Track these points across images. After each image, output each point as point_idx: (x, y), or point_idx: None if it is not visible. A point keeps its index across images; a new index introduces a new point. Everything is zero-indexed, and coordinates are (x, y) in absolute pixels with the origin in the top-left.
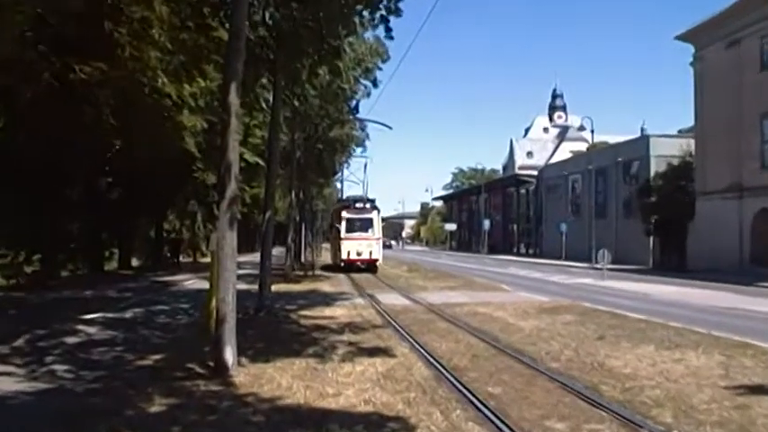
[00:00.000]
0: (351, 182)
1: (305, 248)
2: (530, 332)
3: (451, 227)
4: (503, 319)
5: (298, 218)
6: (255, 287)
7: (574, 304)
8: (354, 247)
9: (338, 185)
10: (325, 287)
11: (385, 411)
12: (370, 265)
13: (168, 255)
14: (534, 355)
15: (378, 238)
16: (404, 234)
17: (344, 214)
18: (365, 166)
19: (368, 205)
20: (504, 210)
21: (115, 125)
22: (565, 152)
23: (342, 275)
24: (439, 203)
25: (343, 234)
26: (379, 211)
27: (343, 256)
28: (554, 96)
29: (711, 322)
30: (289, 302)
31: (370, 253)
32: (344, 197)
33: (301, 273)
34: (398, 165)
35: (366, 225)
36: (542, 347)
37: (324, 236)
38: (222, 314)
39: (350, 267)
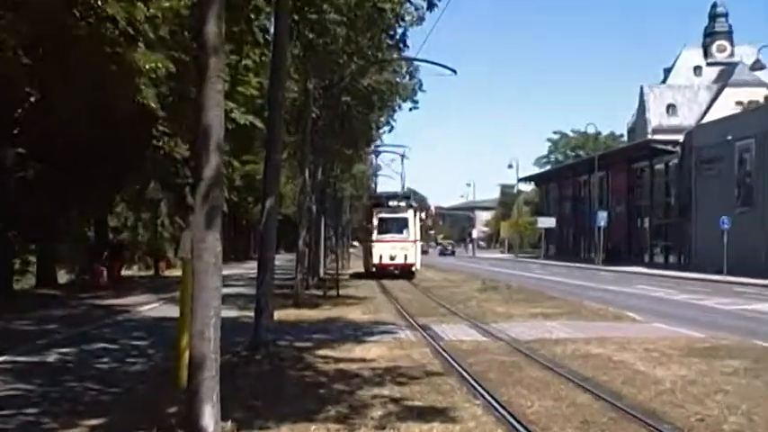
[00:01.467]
0: (389, 151)
1: (325, 254)
2: (671, 386)
3: (548, 223)
4: (628, 364)
5: (314, 209)
6: (250, 314)
7: (743, 344)
8: (387, 250)
9: (373, 160)
10: (355, 313)
11: None
12: (405, 272)
13: (110, 265)
14: (680, 424)
15: (414, 241)
16: (475, 233)
17: (376, 212)
18: (402, 158)
19: (403, 203)
20: (630, 196)
21: (29, 65)
22: (728, 104)
23: (380, 295)
24: (528, 186)
25: (374, 235)
26: (416, 210)
27: (375, 260)
28: (713, 16)
29: None
30: (300, 337)
31: (405, 257)
32: (377, 191)
33: (319, 292)
34: (464, 127)
35: (401, 225)
36: (692, 411)
37: (353, 235)
38: (199, 356)
39: (382, 273)
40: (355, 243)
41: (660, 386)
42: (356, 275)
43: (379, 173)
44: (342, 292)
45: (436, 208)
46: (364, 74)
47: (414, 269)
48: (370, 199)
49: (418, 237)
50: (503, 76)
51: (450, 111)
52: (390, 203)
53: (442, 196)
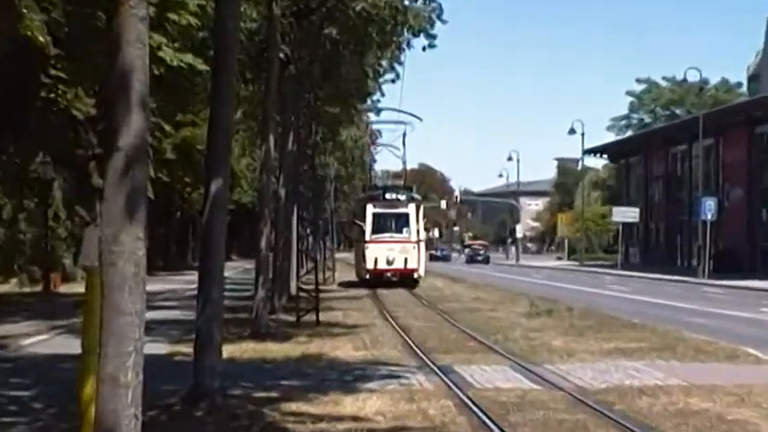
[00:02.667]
0: (390, 109)
1: (300, 261)
2: None
3: (628, 215)
4: (750, 427)
5: (283, 196)
6: (187, 350)
7: None
8: (384, 253)
9: (370, 121)
10: (344, 348)
11: None
12: (406, 279)
13: None
14: None
15: (417, 242)
16: (519, 231)
17: (371, 208)
18: (404, 135)
19: (402, 196)
20: (752, 176)
21: None
22: None
23: (379, 321)
24: (599, 162)
25: (368, 235)
26: (418, 204)
27: (369, 264)
28: None
29: None
30: (261, 383)
31: (406, 261)
32: (374, 172)
33: (291, 317)
34: (504, 80)
35: (400, 223)
36: None
37: (341, 233)
38: (110, 412)
39: (378, 281)
40: (344, 250)
41: None
42: (346, 284)
43: (378, 141)
44: (324, 316)
45: (462, 193)
46: None
47: (416, 276)
48: (363, 191)
49: (422, 237)
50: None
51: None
52: (387, 196)
53: (472, 177)
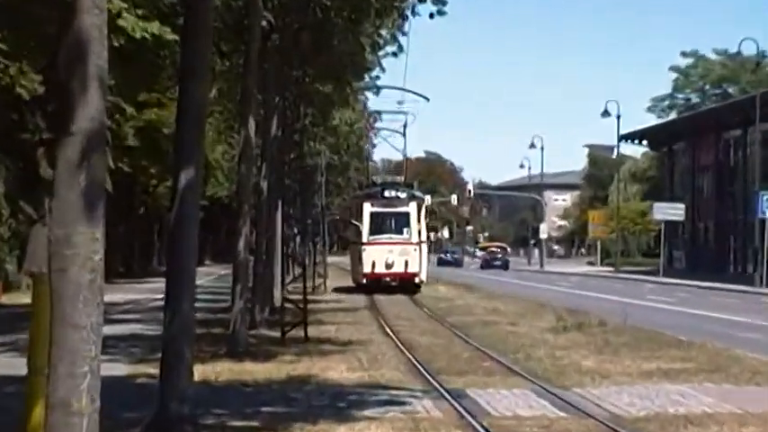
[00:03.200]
0: (392, 88)
1: (285, 266)
2: None
3: (671, 213)
4: None
5: (265, 190)
6: (153, 370)
7: None
8: (382, 255)
9: (367, 101)
10: (337, 369)
11: None
12: (407, 284)
13: None
14: None
15: (418, 243)
16: (543, 231)
17: (368, 207)
18: (404, 127)
19: (402, 193)
20: None
21: None
22: None
23: (378, 336)
24: (637, 150)
25: (365, 236)
26: (420, 203)
27: (366, 268)
28: None
29: None
30: (239, 411)
31: (406, 264)
32: (373, 161)
33: (275, 332)
34: (524, 58)
35: (400, 223)
36: None
37: (336, 238)
38: None
39: (376, 286)
40: (337, 253)
41: None
42: (341, 290)
43: (377, 125)
44: (314, 330)
45: (477, 187)
46: None
47: (417, 280)
48: (360, 188)
49: (424, 238)
50: None
51: (502, 31)
52: (386, 194)
53: (488, 168)
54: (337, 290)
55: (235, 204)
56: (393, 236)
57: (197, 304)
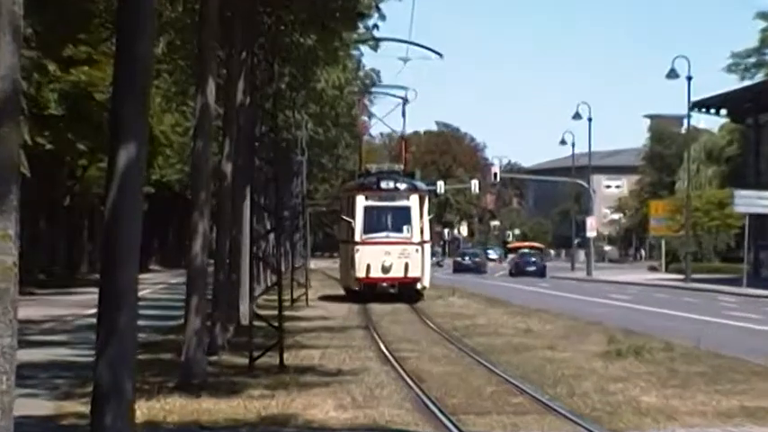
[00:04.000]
0: (394, 40)
1: (254, 274)
2: None
3: (760, 202)
4: None
5: (229, 172)
6: (82, 409)
7: None
8: (378, 257)
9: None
10: (322, 407)
11: None
12: (407, 290)
13: None
14: None
15: (420, 243)
16: (590, 228)
17: (361, 200)
18: (404, 103)
19: (402, 184)
20: None
21: None
22: None
23: (375, 364)
24: (713, 122)
25: (359, 235)
26: (422, 195)
27: (359, 272)
28: None
29: None
30: None
31: (406, 267)
32: (368, 136)
33: (241, 358)
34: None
35: (399, 219)
36: None
37: (321, 236)
38: None
39: (371, 293)
40: (323, 256)
41: None
42: (328, 299)
43: (374, 90)
44: (292, 355)
45: (505, 170)
46: None
47: (419, 286)
48: (353, 178)
49: (427, 237)
50: None
51: None
52: (383, 185)
53: (519, 145)
54: (324, 298)
55: (189, 192)
56: (391, 234)
57: (140, 322)
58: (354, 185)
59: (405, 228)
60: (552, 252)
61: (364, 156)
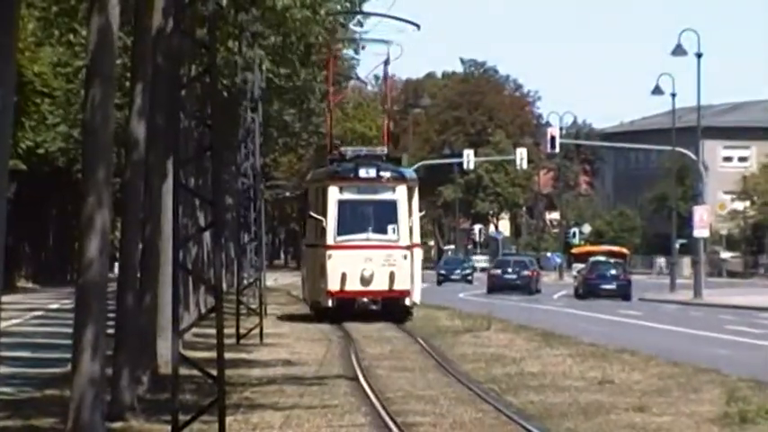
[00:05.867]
0: None
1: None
2: None
3: None
4: None
5: (141, 137)
6: None
7: None
8: (356, 265)
9: None
10: None
11: None
12: (392, 307)
13: None
14: None
15: (408, 247)
16: (701, 223)
17: (334, 193)
18: (385, 63)
19: (386, 172)
20: None
21: None
22: None
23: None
24: None
25: (331, 237)
26: (411, 186)
27: (332, 284)
28: None
29: None
30: None
31: (391, 278)
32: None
33: (164, 426)
34: None
35: (382, 217)
36: None
37: (283, 231)
38: None
39: (346, 311)
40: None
41: None
42: (294, 332)
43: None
44: (241, 422)
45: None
46: None
47: (408, 302)
48: (323, 159)
49: (417, 239)
50: None
51: None
52: (362, 173)
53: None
54: (288, 332)
55: (78, 169)
56: (372, 236)
57: (3, 369)
58: (325, 173)
59: (390, 228)
60: (641, 261)
61: (352, 111)
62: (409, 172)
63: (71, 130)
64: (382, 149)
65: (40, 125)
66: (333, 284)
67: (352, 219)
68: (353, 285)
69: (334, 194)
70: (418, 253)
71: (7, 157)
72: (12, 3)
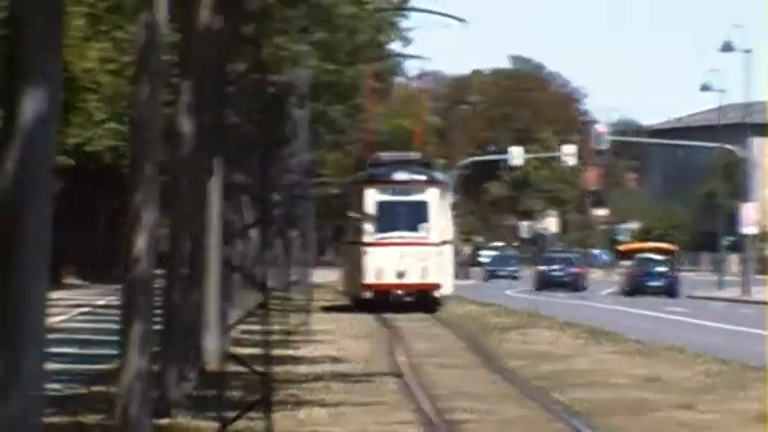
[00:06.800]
0: None
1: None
2: None
3: None
4: None
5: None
6: None
7: None
8: (392, 260)
9: None
10: None
11: None
12: (424, 299)
13: None
14: None
15: (440, 243)
16: (750, 219)
17: (372, 194)
18: (420, 76)
19: (419, 175)
20: None
21: None
22: None
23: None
24: None
25: (368, 235)
26: (442, 188)
27: (369, 278)
28: None
29: None
30: None
31: (424, 272)
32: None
33: (211, 423)
34: None
35: (416, 216)
36: None
37: (331, 229)
38: None
39: (382, 302)
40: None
41: None
42: (332, 309)
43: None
44: (288, 419)
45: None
46: None
47: (438, 294)
48: (362, 169)
49: (449, 236)
50: None
51: None
52: (397, 176)
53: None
54: (336, 329)
55: (126, 166)
56: (406, 233)
57: (50, 365)
58: (363, 177)
59: (422, 226)
60: (688, 258)
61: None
62: (440, 175)
63: (119, 126)
64: (415, 154)
65: (88, 121)
66: (370, 278)
67: (388, 218)
68: (389, 279)
69: (371, 196)
70: (448, 249)
71: (54, 153)
72: (59, 8)
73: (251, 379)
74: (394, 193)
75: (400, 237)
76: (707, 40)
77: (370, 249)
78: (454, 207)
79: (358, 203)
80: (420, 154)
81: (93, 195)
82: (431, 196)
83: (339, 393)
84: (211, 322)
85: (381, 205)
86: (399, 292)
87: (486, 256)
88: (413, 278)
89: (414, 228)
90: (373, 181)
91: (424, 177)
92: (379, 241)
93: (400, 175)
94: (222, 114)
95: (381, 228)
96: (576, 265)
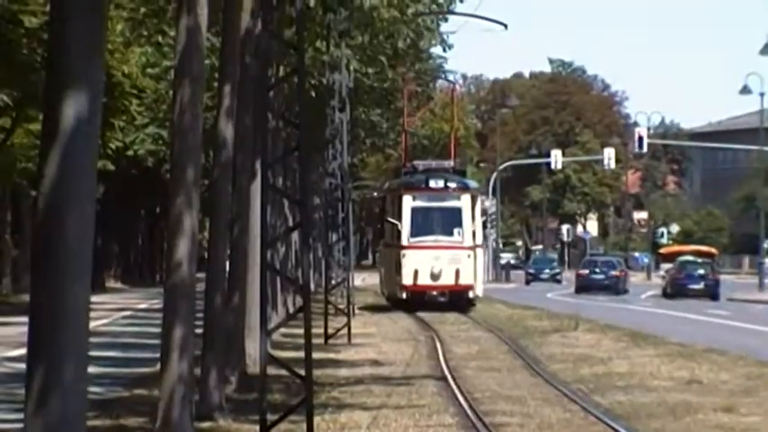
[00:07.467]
0: None
1: (272, 295)
2: None
3: None
4: None
5: (230, 137)
6: None
7: None
8: (427, 262)
9: None
10: None
11: None
12: (457, 299)
13: None
14: None
15: (472, 248)
16: None
17: (408, 201)
18: (452, 92)
19: (453, 183)
20: None
21: None
22: None
23: None
24: None
25: (405, 238)
26: (474, 195)
27: (406, 279)
28: None
29: None
30: None
31: (457, 274)
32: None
33: (252, 426)
34: None
35: (450, 221)
36: None
37: (372, 236)
38: None
39: (418, 302)
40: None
41: None
42: (373, 310)
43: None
44: (327, 421)
45: (655, 134)
46: None
47: (472, 295)
48: (396, 178)
49: (480, 240)
50: None
51: None
52: (432, 183)
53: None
54: (376, 333)
55: (167, 170)
56: (440, 238)
57: (92, 369)
58: (400, 184)
59: (456, 231)
60: (728, 261)
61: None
62: (472, 183)
63: (160, 130)
64: (449, 163)
65: (129, 126)
66: (407, 279)
67: (424, 223)
68: (424, 280)
69: (407, 202)
70: (479, 252)
71: (96, 158)
72: (99, 3)
73: (292, 382)
74: (429, 200)
75: (435, 240)
76: (747, 42)
77: (406, 252)
78: (491, 211)
79: (395, 209)
80: (452, 162)
81: (135, 199)
82: (464, 203)
83: (380, 396)
84: (252, 326)
85: (417, 211)
86: (434, 292)
87: (504, 257)
88: (447, 280)
89: (448, 232)
90: (409, 187)
91: (457, 185)
92: (415, 245)
93: (435, 183)
94: (263, 118)
95: (417, 232)
96: (617, 268)
